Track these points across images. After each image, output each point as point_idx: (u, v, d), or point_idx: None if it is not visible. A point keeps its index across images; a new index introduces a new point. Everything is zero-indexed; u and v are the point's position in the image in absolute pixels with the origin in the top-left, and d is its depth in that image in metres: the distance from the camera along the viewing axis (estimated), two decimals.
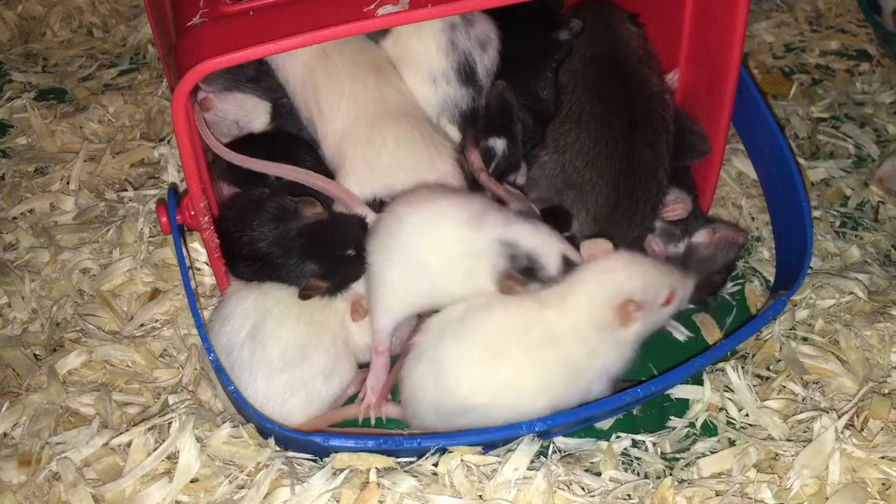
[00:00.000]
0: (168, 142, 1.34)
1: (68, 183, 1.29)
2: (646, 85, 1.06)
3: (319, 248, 0.96)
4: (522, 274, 0.90)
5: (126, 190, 1.27)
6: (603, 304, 0.91)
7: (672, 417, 1.01)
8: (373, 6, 0.86)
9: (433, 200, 0.94)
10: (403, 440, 0.90)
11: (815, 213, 1.23)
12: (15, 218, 1.24)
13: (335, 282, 0.98)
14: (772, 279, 1.14)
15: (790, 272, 1.06)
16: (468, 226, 0.91)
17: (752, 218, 1.23)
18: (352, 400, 1.01)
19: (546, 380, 0.91)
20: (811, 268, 1.12)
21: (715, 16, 1.03)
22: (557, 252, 0.92)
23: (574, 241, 0.99)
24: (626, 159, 1.02)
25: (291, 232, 0.95)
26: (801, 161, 1.32)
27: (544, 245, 0.92)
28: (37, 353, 1.06)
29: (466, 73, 1.03)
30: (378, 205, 1.01)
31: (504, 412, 0.91)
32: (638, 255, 0.95)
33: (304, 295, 0.95)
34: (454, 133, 1.05)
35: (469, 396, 0.91)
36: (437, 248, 0.92)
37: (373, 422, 0.98)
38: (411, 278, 0.93)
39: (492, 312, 0.92)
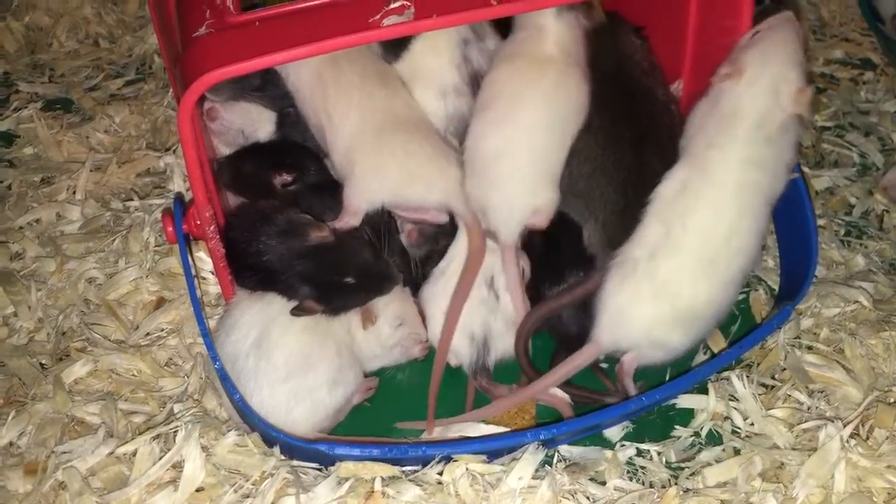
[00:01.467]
0: (174, 151, 1.35)
1: (74, 192, 1.29)
2: (651, 96, 1.06)
3: (317, 273, 0.95)
4: None
5: (132, 199, 1.28)
6: (776, 107, 0.95)
7: (677, 426, 1.00)
8: (378, 17, 0.87)
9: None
10: (408, 448, 0.90)
11: (820, 222, 1.23)
12: (21, 227, 1.24)
13: (330, 307, 0.97)
14: (777, 288, 1.14)
15: (795, 281, 1.06)
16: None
17: None
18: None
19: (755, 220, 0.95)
20: (816, 276, 1.12)
21: (719, 24, 1.03)
22: None
23: (585, 254, 1.00)
24: (636, 167, 1.02)
25: (294, 251, 0.95)
26: (806, 169, 1.32)
27: None
28: (43, 362, 1.06)
29: (478, 85, 1.04)
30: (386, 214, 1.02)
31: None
32: (762, 41, 0.98)
33: (296, 314, 0.95)
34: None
35: (696, 302, 0.95)
36: None
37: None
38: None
39: (691, 197, 0.95)
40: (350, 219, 1.00)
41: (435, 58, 1.04)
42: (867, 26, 1.56)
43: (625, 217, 1.00)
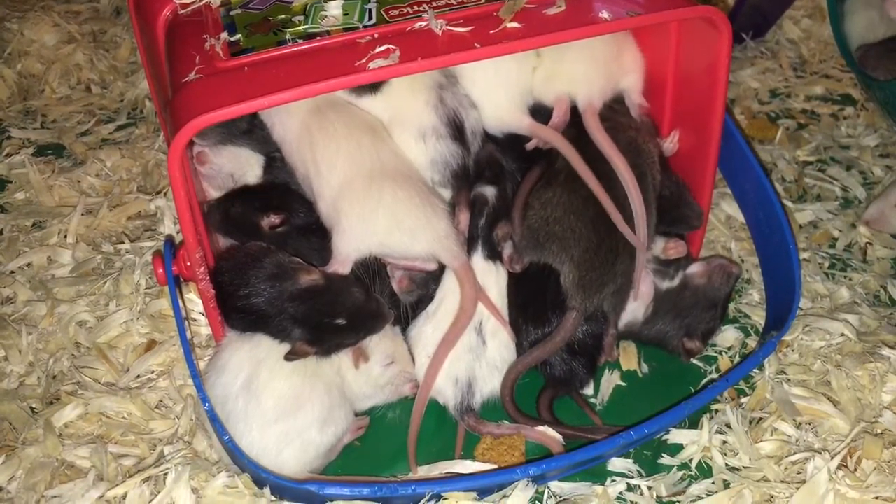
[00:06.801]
0: (164, 194, 1.36)
1: (66, 236, 1.30)
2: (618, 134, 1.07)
3: (308, 315, 0.96)
4: None
5: (123, 242, 1.29)
6: None
7: (665, 455, 1.00)
8: (364, 60, 0.88)
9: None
10: (398, 487, 0.90)
11: (804, 255, 1.24)
12: (13, 272, 1.25)
13: (323, 348, 0.98)
14: (763, 321, 1.15)
15: (780, 314, 1.07)
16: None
17: (742, 260, 1.24)
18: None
19: None
20: (801, 309, 1.13)
21: (697, 74, 1.05)
22: None
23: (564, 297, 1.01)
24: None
25: (284, 294, 0.96)
26: (789, 204, 1.34)
27: None
28: (33, 406, 1.06)
29: (456, 127, 1.05)
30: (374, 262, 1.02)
31: None
32: None
33: (289, 358, 0.95)
34: (447, 195, 1.06)
35: None
36: None
37: None
38: None
39: None
40: (339, 267, 1.00)
41: (412, 99, 1.04)
42: (846, 63, 1.59)
43: (598, 254, 1.01)
